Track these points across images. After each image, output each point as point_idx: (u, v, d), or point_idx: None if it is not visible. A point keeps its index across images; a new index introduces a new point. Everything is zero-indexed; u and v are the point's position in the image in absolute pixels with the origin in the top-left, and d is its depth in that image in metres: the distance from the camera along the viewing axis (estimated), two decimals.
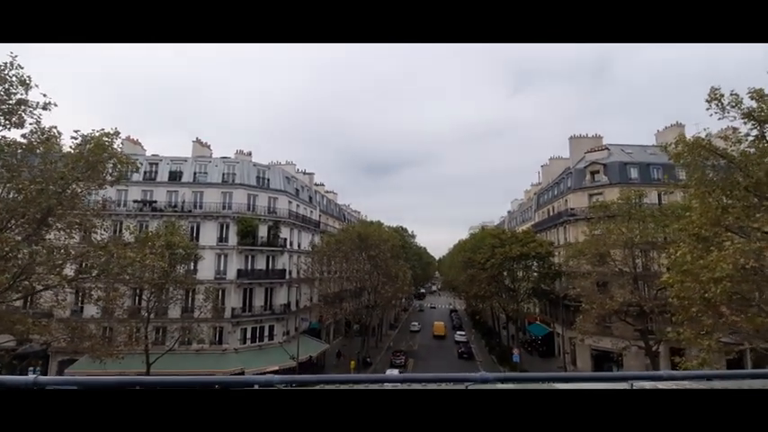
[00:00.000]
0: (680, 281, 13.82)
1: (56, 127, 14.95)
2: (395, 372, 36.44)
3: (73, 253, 15.55)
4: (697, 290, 13.30)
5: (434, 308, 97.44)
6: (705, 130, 14.76)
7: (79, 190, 14.42)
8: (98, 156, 14.20)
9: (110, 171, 15.15)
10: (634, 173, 40.89)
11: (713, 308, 13.77)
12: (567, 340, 41.01)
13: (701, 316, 13.96)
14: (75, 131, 14.44)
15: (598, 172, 42.22)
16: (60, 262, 14.38)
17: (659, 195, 39.28)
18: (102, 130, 14.59)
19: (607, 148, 44.30)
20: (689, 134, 17.00)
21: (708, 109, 14.18)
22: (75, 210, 14.34)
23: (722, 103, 13.95)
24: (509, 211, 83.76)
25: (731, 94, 13.94)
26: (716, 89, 14.03)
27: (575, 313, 39.47)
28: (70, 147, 14.70)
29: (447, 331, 61.39)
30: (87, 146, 14.28)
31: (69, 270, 15.97)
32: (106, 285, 18.06)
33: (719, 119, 14.01)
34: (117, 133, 15.05)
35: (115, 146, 15.08)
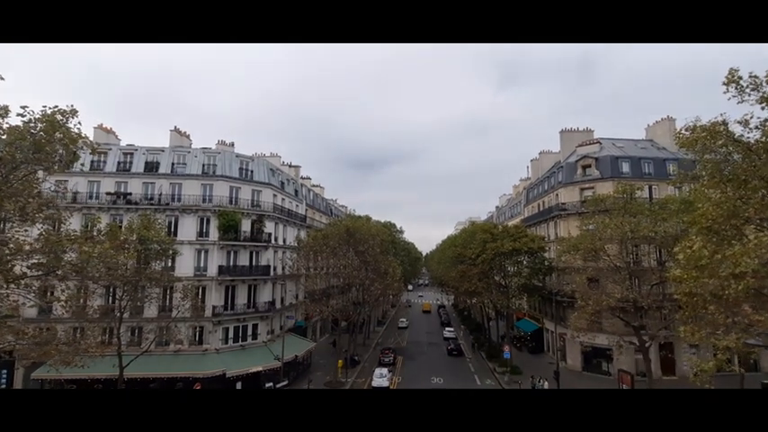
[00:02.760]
0: (695, 277, 12.88)
1: (7, 106, 13.13)
2: (384, 370, 35.29)
3: (27, 248, 13.74)
4: (713, 286, 12.40)
5: (422, 296, 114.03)
6: (722, 115, 13.82)
7: (24, 174, 12.54)
8: (49, 135, 12.37)
9: (62, 153, 13.24)
10: (626, 167, 40.43)
11: (729, 305, 12.89)
12: (557, 336, 40.53)
13: (716, 314, 13.08)
14: (23, 107, 12.53)
15: (590, 166, 41.63)
16: (7, 258, 12.54)
17: (650, 189, 39.01)
18: (57, 107, 12.78)
19: (599, 142, 43.78)
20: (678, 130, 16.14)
21: (725, 92, 13.28)
22: (18, 197, 12.40)
23: (741, 86, 13.04)
24: (497, 207, 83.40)
25: (750, 77, 13.05)
26: (734, 70, 13.12)
27: (565, 309, 39.02)
28: (19, 126, 12.77)
29: (432, 308, 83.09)
30: (38, 124, 12.42)
31: (19, 268, 14.06)
32: (63, 284, 16.17)
33: (738, 103, 13.11)
34: (74, 111, 13.12)
35: (71, 125, 13.20)
